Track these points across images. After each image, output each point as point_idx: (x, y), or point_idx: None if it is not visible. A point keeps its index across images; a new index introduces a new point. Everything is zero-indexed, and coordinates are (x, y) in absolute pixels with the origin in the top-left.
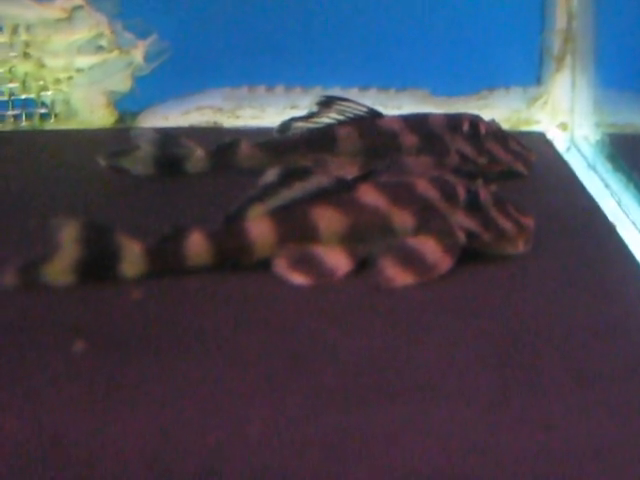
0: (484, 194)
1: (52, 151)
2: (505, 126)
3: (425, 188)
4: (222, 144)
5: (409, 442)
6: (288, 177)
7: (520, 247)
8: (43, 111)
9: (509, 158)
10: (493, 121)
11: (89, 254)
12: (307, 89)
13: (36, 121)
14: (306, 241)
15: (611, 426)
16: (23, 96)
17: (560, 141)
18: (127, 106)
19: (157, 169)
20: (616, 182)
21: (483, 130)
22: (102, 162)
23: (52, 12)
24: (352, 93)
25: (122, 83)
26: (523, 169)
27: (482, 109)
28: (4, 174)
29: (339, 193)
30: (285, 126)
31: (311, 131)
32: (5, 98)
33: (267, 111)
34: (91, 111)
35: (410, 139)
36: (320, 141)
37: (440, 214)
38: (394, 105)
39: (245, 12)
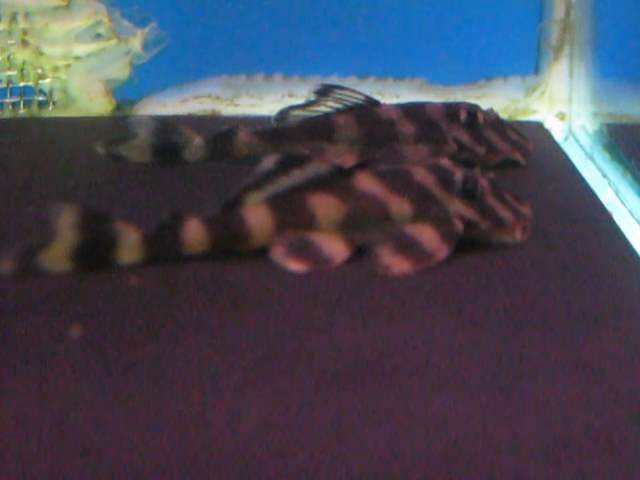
0: (482, 182)
1: (50, 139)
2: (503, 115)
3: (423, 176)
4: (220, 132)
5: (405, 428)
6: (286, 165)
7: (517, 236)
8: (41, 99)
9: (507, 147)
10: (491, 110)
11: (86, 241)
12: (305, 77)
13: (34, 109)
14: (303, 228)
15: (609, 414)
16: (21, 84)
17: (558, 131)
18: (125, 94)
19: (155, 157)
20: (613, 172)
21: (481, 119)
22: (100, 150)
23: (50, 0)
24: (350, 81)
25: (120, 71)
26: (521, 158)
27: (480, 98)
28: (2, 162)
29: (337, 181)
30: (283, 114)
31: (309, 119)
32: (3, 86)
33: (265, 99)
34: (89, 99)
35: (408, 128)
36: (318, 129)
37: (438, 202)
38: (392, 94)
39: (243, 0)
